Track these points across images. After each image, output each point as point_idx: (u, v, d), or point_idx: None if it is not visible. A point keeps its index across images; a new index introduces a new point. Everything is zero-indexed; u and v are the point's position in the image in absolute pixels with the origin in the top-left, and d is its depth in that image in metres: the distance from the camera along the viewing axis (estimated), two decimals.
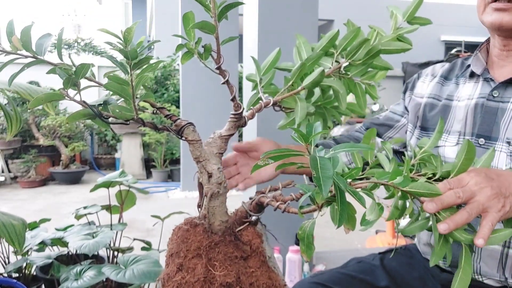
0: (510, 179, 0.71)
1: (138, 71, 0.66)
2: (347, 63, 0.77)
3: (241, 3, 0.68)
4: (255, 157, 1.01)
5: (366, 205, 0.64)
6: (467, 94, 1.04)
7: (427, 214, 0.69)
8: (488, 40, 1.06)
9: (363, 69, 0.77)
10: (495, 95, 0.98)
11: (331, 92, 0.84)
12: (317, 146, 0.63)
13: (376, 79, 0.80)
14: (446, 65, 1.16)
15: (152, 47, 7.19)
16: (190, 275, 0.66)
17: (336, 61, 0.79)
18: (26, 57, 0.66)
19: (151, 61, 0.68)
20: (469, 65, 1.07)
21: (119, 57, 0.69)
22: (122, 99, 0.68)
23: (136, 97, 0.68)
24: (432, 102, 1.11)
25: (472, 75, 1.06)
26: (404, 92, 1.20)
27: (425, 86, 1.15)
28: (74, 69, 0.64)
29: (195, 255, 0.68)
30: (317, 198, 0.63)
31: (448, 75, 1.13)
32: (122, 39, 0.63)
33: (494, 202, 0.67)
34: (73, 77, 0.64)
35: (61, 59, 0.66)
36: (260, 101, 0.79)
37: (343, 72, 0.79)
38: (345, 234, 0.67)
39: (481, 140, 0.97)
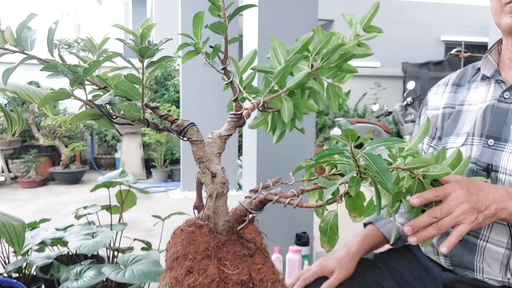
0: (489, 195, 0.79)
1: (149, 70, 0.64)
2: (320, 66, 0.79)
3: (254, 5, 0.68)
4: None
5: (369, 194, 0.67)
6: (481, 97, 1.04)
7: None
8: (499, 42, 1.05)
9: (335, 71, 0.81)
10: (506, 97, 0.97)
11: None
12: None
13: (343, 81, 0.85)
14: (457, 72, 1.16)
15: None
16: (203, 277, 0.66)
17: (311, 64, 0.80)
18: (14, 52, 0.64)
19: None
20: (479, 68, 1.06)
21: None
22: (125, 98, 0.67)
23: None
24: (448, 112, 1.11)
25: (484, 78, 1.05)
26: (419, 114, 1.21)
27: (439, 97, 1.15)
28: (86, 65, 0.62)
29: (204, 256, 0.68)
30: (350, 191, 0.65)
31: (460, 82, 1.12)
32: (139, 36, 0.62)
33: (467, 215, 0.76)
34: (82, 75, 0.62)
35: (51, 55, 0.64)
36: (252, 101, 0.80)
37: (316, 74, 0.81)
38: (345, 234, 0.68)
39: (491, 141, 0.96)
